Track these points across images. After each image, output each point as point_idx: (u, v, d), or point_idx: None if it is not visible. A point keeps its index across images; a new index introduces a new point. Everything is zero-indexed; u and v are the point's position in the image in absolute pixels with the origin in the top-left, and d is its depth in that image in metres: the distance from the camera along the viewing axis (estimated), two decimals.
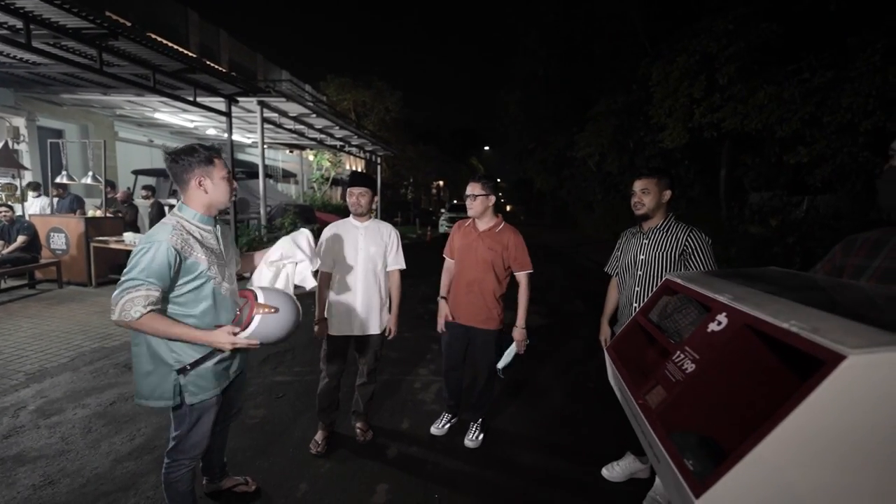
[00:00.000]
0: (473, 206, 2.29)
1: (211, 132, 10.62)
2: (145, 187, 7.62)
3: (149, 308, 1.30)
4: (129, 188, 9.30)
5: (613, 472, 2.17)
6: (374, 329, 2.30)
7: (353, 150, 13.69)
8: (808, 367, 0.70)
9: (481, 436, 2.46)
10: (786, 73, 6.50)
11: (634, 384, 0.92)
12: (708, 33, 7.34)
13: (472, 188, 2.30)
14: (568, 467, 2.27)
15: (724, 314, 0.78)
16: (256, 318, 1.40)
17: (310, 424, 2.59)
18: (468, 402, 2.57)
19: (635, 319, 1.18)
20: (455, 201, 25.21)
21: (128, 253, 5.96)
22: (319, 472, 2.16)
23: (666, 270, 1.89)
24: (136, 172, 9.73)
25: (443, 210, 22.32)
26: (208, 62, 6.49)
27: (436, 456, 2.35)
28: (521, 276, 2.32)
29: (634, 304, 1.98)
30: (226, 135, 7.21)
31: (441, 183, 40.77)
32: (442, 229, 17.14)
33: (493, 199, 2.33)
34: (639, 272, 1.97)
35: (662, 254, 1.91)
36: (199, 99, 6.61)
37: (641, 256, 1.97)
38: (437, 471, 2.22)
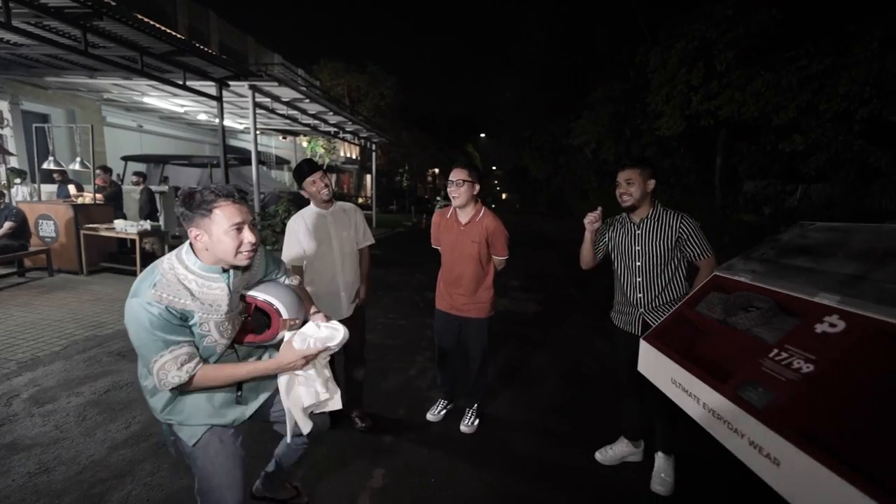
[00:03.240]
0: (460, 194, 2.22)
1: (202, 117, 10.42)
2: (136, 173, 7.50)
3: (185, 367, 1.13)
4: (118, 175, 9.15)
5: (607, 455, 2.20)
6: (355, 305, 2.39)
7: (348, 136, 13.50)
8: None
9: (476, 421, 2.49)
10: (784, 60, 6.46)
11: (712, 379, 0.90)
12: (707, 19, 7.26)
13: (459, 174, 2.22)
14: (562, 451, 2.30)
15: (836, 317, 0.79)
16: (289, 335, 1.28)
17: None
18: (464, 389, 2.58)
19: (681, 311, 1.17)
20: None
21: (120, 241, 5.94)
22: (316, 458, 2.17)
23: (665, 258, 1.92)
24: (126, 158, 9.56)
25: (438, 198, 22.22)
26: (198, 45, 6.31)
27: (432, 441, 2.37)
28: (497, 261, 2.37)
29: (638, 295, 1.98)
30: (217, 120, 7.07)
31: (436, 170, 40.50)
32: None
33: (477, 187, 2.27)
34: (637, 263, 1.97)
35: (659, 242, 1.92)
36: (188, 83, 6.46)
37: (637, 247, 1.97)
38: (432, 456, 2.24)
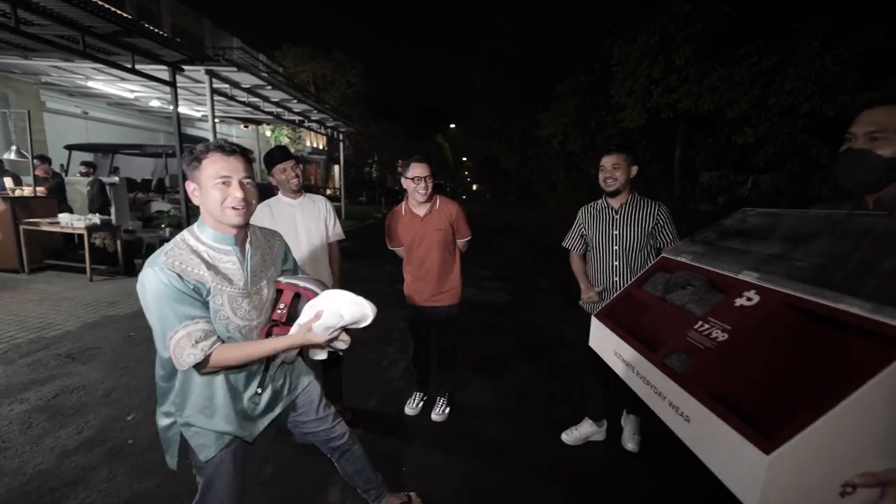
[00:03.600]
0: (428, 189, 2.22)
1: (155, 104, 9.79)
2: (84, 163, 6.96)
3: (200, 345, 1.06)
4: (62, 165, 8.48)
5: (572, 436, 2.29)
6: None
7: (314, 125, 13.11)
8: (845, 341, 0.77)
9: (448, 409, 2.52)
10: (737, 56, 6.78)
11: (645, 349, 0.99)
12: (667, 14, 7.50)
13: (423, 169, 2.20)
14: (530, 435, 2.38)
15: (753, 291, 0.88)
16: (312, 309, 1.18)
17: None
18: (435, 379, 2.61)
19: (629, 291, 1.24)
20: None
21: (66, 236, 5.53)
22: (286, 454, 2.13)
23: (640, 244, 2.00)
24: (70, 147, 8.88)
25: None
26: (147, 25, 5.90)
27: (403, 431, 2.38)
28: (461, 242, 2.42)
29: (615, 279, 2.05)
30: (171, 107, 6.67)
31: None
32: None
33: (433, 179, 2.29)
34: (615, 247, 2.04)
35: (636, 228, 1.99)
36: (138, 66, 6.05)
37: (615, 232, 2.03)
38: (404, 445, 2.25)
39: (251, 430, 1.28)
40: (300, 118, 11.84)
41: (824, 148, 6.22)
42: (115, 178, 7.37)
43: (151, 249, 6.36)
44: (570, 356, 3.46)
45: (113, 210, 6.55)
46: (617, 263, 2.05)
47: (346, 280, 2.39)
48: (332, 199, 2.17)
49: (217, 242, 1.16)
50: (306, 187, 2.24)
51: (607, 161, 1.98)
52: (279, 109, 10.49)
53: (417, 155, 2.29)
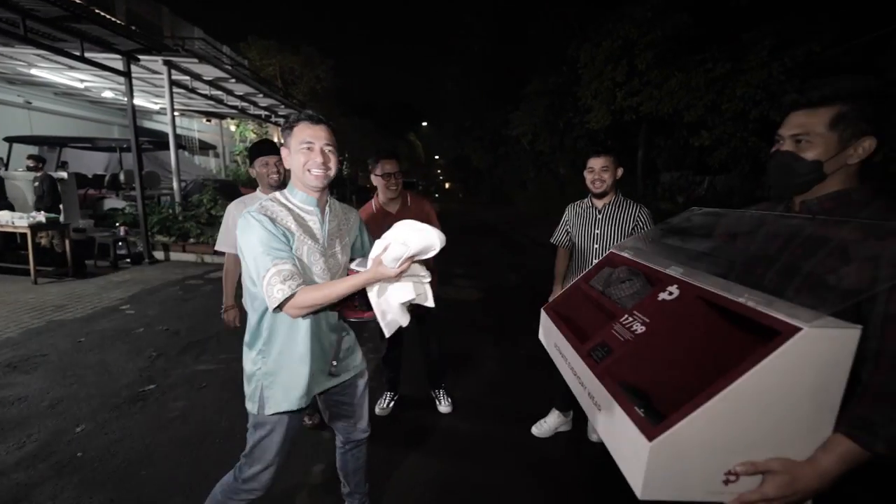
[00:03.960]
0: (399, 185, 2.24)
1: (108, 95, 9.23)
2: (31, 157, 6.42)
3: (288, 283, 1.13)
4: (1, 158, 7.86)
5: (542, 428, 2.37)
6: None
7: (281, 120, 12.73)
8: (746, 335, 0.80)
9: (450, 399, 2.61)
10: (694, 62, 7.12)
11: (577, 341, 1.01)
12: (630, 19, 7.77)
13: (393, 165, 2.23)
14: (502, 428, 2.43)
15: (675, 286, 0.90)
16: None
17: (238, 411, 2.47)
18: (413, 375, 2.62)
19: (577, 285, 1.27)
20: None
21: (5, 235, 5.11)
22: None
23: (619, 242, 2.04)
24: (10, 140, 8.23)
25: None
26: (98, 11, 5.54)
27: (373, 431, 2.37)
28: None
29: None
30: (126, 98, 6.31)
31: None
32: None
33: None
34: (595, 245, 2.11)
35: (617, 227, 2.05)
36: (88, 55, 5.68)
37: (597, 231, 2.10)
38: (373, 445, 2.24)
39: (311, 395, 1.35)
40: (266, 113, 11.48)
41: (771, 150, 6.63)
42: (63, 174, 6.90)
43: (104, 250, 6.02)
44: (539, 350, 3.55)
45: (61, 207, 6.13)
46: (595, 261, 2.12)
47: None
48: None
49: (302, 203, 1.29)
50: (280, 185, 2.17)
51: (596, 163, 2.03)
52: (244, 104, 10.13)
53: (386, 151, 2.30)
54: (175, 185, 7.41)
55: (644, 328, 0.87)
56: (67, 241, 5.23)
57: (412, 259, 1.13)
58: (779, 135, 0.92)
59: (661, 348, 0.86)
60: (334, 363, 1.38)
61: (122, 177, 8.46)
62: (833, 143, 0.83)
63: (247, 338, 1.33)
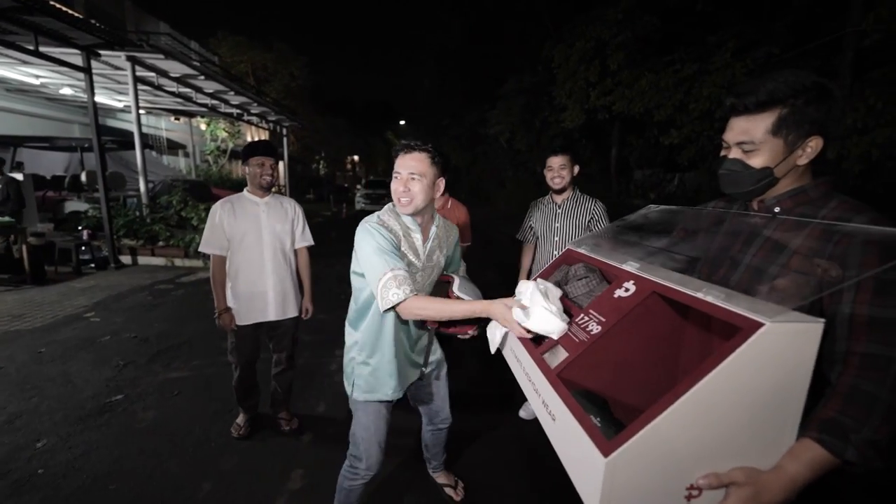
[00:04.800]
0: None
1: (67, 91, 8.76)
2: None
3: (403, 287, 1.20)
4: None
5: (527, 410, 2.48)
6: (291, 312, 2.20)
7: (254, 119, 12.40)
8: (706, 333, 0.77)
9: None
10: (663, 63, 7.35)
11: (531, 344, 0.95)
12: (602, 21, 7.95)
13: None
14: (489, 415, 2.48)
15: (631, 282, 0.84)
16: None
17: (214, 419, 2.41)
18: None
19: (535, 282, 1.27)
20: (372, 177, 24.32)
21: None
22: (225, 468, 2.03)
23: (578, 235, 2.19)
24: None
25: (359, 186, 21.54)
26: (53, 3, 5.24)
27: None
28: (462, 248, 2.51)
29: None
30: (86, 95, 6.01)
31: (356, 158, 39.11)
32: (358, 206, 16.56)
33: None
34: (555, 238, 2.25)
35: (575, 221, 2.20)
36: (43, 49, 5.37)
37: (556, 224, 2.24)
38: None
39: (401, 389, 1.48)
40: (238, 111, 11.16)
41: None
42: (19, 175, 6.51)
43: (66, 255, 5.71)
44: None
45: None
46: (556, 253, 2.26)
47: (314, 282, 2.32)
48: None
49: (407, 222, 1.39)
50: (241, 184, 2.13)
51: (554, 161, 2.17)
52: (215, 101, 9.82)
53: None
54: (142, 186, 7.11)
55: (600, 327, 0.81)
56: (25, 246, 4.94)
57: (528, 330, 1.02)
58: (724, 140, 0.90)
59: (618, 349, 0.80)
60: (420, 358, 1.53)
61: (83, 178, 8.05)
62: (780, 148, 0.82)
63: (351, 316, 1.50)
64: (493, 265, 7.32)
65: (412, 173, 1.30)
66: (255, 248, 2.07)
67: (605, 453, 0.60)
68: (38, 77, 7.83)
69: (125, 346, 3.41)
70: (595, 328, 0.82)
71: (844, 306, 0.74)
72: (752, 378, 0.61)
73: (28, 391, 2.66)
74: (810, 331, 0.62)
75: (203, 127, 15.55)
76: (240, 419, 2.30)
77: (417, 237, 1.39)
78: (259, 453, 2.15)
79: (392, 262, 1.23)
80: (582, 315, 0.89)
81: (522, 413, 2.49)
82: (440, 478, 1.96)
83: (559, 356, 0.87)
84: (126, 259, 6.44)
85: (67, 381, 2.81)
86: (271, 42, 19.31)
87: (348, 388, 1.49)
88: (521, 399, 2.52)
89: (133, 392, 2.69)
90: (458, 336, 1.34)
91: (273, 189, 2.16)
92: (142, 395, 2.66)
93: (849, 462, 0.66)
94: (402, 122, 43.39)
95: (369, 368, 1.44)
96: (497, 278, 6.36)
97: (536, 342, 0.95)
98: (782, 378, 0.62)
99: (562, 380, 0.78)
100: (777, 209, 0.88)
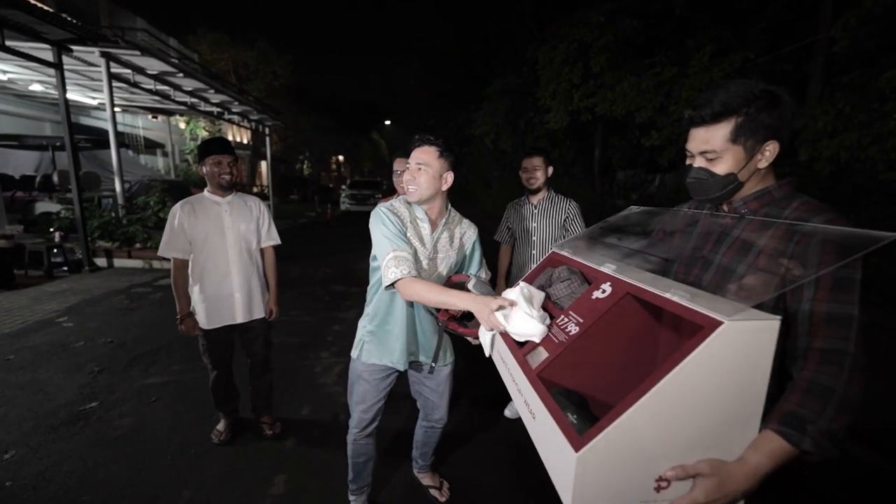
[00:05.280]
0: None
1: (36, 88, 8.43)
2: None
3: (401, 268, 1.28)
4: None
5: (512, 409, 2.51)
6: (258, 314, 2.14)
7: (235, 117, 12.16)
8: (677, 332, 0.79)
9: None
10: (644, 65, 7.49)
11: (515, 345, 0.96)
12: (584, 24, 8.05)
13: (401, 164, 2.17)
14: (476, 414, 2.49)
15: (608, 283, 0.87)
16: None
17: (194, 426, 2.35)
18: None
19: (520, 285, 1.28)
20: (357, 177, 24.08)
21: None
22: (206, 475, 1.98)
23: (554, 234, 2.25)
24: None
25: (344, 187, 21.33)
26: None
27: (337, 439, 2.33)
28: None
29: (533, 265, 2.22)
30: (57, 92, 5.80)
31: (341, 158, 38.75)
32: (343, 206, 16.40)
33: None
34: (532, 237, 2.30)
35: (551, 220, 2.25)
36: (10, 43, 5.16)
37: (533, 224, 2.29)
38: (339, 453, 2.20)
39: (404, 362, 1.55)
40: (219, 110, 10.92)
41: None
42: None
43: (36, 258, 5.49)
44: None
45: None
46: (535, 252, 2.31)
47: (279, 283, 2.27)
48: (260, 197, 2.02)
49: (417, 211, 1.46)
50: (231, 185, 2.06)
51: (529, 163, 2.23)
52: (194, 100, 9.58)
53: (402, 149, 2.27)
54: (117, 186, 6.89)
55: (578, 328, 0.84)
56: None
57: (505, 332, 1.02)
58: (688, 149, 0.93)
59: (596, 349, 0.83)
60: (430, 346, 1.57)
61: (55, 178, 7.78)
62: (740, 155, 0.86)
63: (368, 292, 1.58)
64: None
65: (419, 164, 1.38)
66: (219, 250, 2.01)
67: (577, 448, 0.63)
68: (5, 73, 7.52)
69: (100, 351, 3.30)
70: (573, 329, 0.85)
71: (804, 303, 0.78)
72: (714, 374, 0.64)
73: None
74: (768, 328, 0.64)
75: (182, 125, 15.19)
76: (220, 425, 2.25)
77: (425, 226, 1.46)
78: (241, 459, 2.10)
79: (395, 244, 1.32)
80: (562, 316, 0.91)
81: (507, 412, 2.52)
82: (425, 479, 1.95)
83: (540, 357, 0.89)
84: (101, 262, 6.24)
85: (38, 389, 2.70)
86: (253, 40, 18.99)
87: (355, 353, 1.59)
88: (507, 398, 2.54)
89: (108, 399, 2.61)
90: (469, 339, 1.32)
91: (236, 188, 2.10)
92: (118, 402, 2.57)
93: (806, 451, 0.70)
94: (388, 123, 43.19)
95: (378, 334, 1.54)
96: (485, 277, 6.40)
97: (521, 344, 0.96)
98: (743, 373, 0.65)
99: (541, 379, 0.80)
100: (744, 210, 0.92)
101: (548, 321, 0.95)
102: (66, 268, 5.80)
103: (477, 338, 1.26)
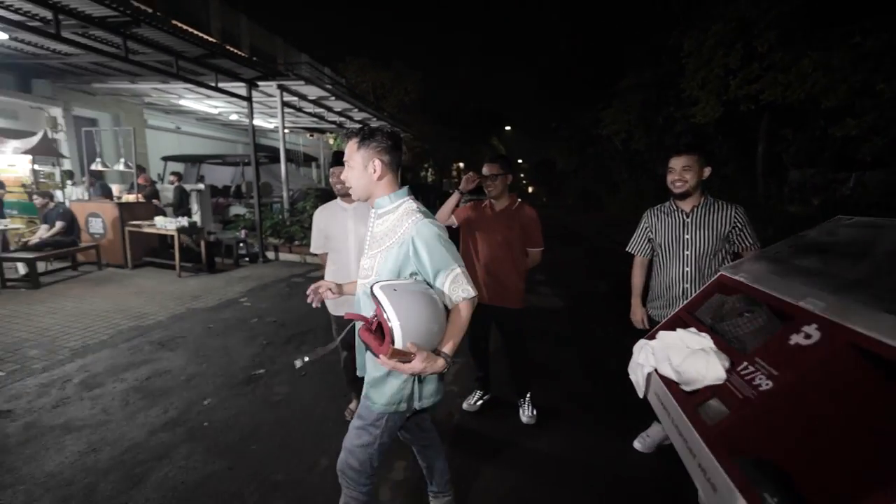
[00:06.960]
0: (495, 187, 2.32)
1: (234, 117, 10.80)
2: (173, 173, 7.91)
3: (471, 285, 1.22)
4: (159, 174, 9.62)
5: (645, 443, 2.18)
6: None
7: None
8: None
9: (535, 411, 2.50)
10: (835, 36, 5.98)
11: (681, 391, 0.81)
12: None
13: (490, 168, 2.32)
14: (596, 441, 2.28)
15: (814, 326, 0.67)
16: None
17: (330, 402, 2.67)
18: (500, 380, 2.61)
19: (678, 315, 1.08)
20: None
21: (160, 237, 6.28)
22: (338, 449, 2.21)
23: (714, 248, 1.90)
24: (166, 159, 10.07)
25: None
26: (229, 47, 6.54)
27: (455, 434, 2.38)
28: (533, 252, 2.43)
29: (685, 286, 1.95)
30: (247, 120, 7.31)
31: (461, 164, 40.22)
32: None
33: (510, 177, 2.36)
34: (686, 252, 1.95)
35: (711, 231, 1.90)
36: (220, 84, 6.70)
37: (687, 236, 1.94)
38: (457, 449, 2.24)
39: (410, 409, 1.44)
40: (361, 125, 12.38)
41: None
42: (201, 186, 8.22)
43: (229, 250, 7.02)
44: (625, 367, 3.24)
45: (199, 213, 7.30)
46: (688, 269, 1.94)
47: None
48: None
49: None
50: None
51: (676, 163, 1.90)
52: (342, 118, 11.06)
53: (490, 156, 2.41)
54: (284, 193, 8.35)
55: (771, 383, 0.66)
56: (203, 243, 6.19)
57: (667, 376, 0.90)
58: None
59: (797, 410, 0.64)
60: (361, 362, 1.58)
61: (243, 187, 9.82)
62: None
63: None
64: (604, 277, 6.79)
65: (346, 161, 1.35)
66: (341, 251, 2.25)
67: None
68: (216, 108, 9.81)
69: (267, 328, 4.01)
70: (764, 383, 0.67)
71: None
72: None
73: (200, 357, 3.30)
74: None
75: (331, 141, 17.66)
76: (353, 404, 2.50)
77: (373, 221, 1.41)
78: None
79: (458, 258, 1.24)
80: (745, 363, 0.73)
81: (637, 444, 2.20)
82: None
83: (718, 412, 0.72)
84: (271, 255, 7.63)
85: (226, 353, 3.41)
86: (390, 61, 21.10)
87: (360, 370, 1.53)
88: (633, 427, 2.25)
89: (271, 368, 3.14)
90: (372, 352, 1.12)
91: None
92: (277, 372, 3.08)
93: None
94: (508, 128, 43.35)
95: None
96: (605, 290, 5.89)
97: (689, 393, 0.82)
98: None
99: (726, 442, 0.65)
100: None
101: (727, 364, 0.77)
102: (247, 258, 7.25)
103: (378, 352, 1.08)
